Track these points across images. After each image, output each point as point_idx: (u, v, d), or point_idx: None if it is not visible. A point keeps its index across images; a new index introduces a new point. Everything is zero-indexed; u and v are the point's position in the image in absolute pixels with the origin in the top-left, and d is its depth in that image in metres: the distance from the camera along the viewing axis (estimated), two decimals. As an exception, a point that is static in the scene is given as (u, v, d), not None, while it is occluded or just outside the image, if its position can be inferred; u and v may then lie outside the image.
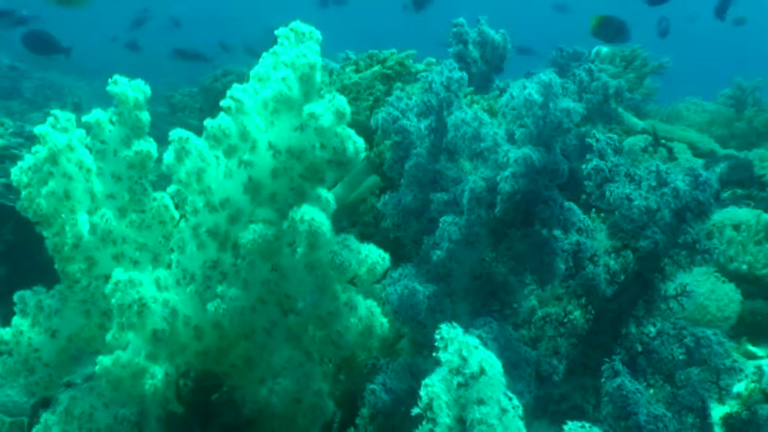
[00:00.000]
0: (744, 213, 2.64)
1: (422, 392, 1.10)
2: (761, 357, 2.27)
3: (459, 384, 1.06)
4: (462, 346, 1.06)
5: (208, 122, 1.40)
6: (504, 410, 1.04)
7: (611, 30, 4.32)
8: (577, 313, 1.57)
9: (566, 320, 1.57)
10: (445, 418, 1.08)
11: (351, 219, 2.33)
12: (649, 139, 3.23)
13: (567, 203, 1.44)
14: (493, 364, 1.05)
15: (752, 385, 2.02)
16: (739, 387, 2.06)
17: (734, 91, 4.84)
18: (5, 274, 3.06)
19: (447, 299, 1.53)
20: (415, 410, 1.10)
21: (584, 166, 1.49)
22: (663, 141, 3.25)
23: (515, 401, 1.05)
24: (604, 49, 4.53)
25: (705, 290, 2.22)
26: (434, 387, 1.09)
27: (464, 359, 1.06)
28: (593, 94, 2.90)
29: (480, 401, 1.04)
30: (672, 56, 4.57)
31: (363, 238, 2.27)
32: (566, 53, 4.95)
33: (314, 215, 1.33)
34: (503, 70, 3.12)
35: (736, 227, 2.55)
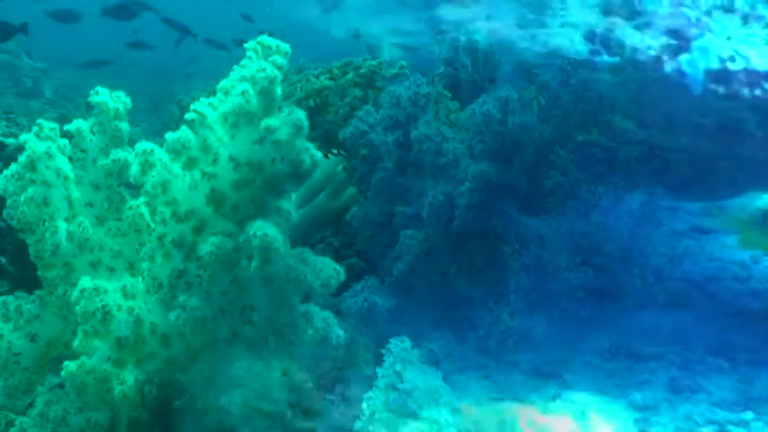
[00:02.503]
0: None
1: (363, 405, 1.12)
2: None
3: (394, 399, 1.07)
4: (397, 361, 1.08)
5: (168, 135, 1.42)
6: (437, 425, 1.05)
7: None
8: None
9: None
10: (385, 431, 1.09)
11: (335, 227, 2.35)
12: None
13: (524, 219, 1.44)
14: (427, 380, 1.07)
15: None
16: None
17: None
18: (16, 275, 3.10)
19: (408, 311, 1.54)
20: (358, 424, 1.11)
21: (546, 182, 1.50)
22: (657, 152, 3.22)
23: (449, 417, 1.06)
24: None
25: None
26: (375, 400, 1.11)
27: (398, 374, 1.07)
28: (587, 104, 2.90)
29: (414, 415, 1.06)
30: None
31: (345, 246, 2.29)
32: (572, 60, 4.93)
33: (267, 230, 1.35)
34: (496, 80, 3.12)
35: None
